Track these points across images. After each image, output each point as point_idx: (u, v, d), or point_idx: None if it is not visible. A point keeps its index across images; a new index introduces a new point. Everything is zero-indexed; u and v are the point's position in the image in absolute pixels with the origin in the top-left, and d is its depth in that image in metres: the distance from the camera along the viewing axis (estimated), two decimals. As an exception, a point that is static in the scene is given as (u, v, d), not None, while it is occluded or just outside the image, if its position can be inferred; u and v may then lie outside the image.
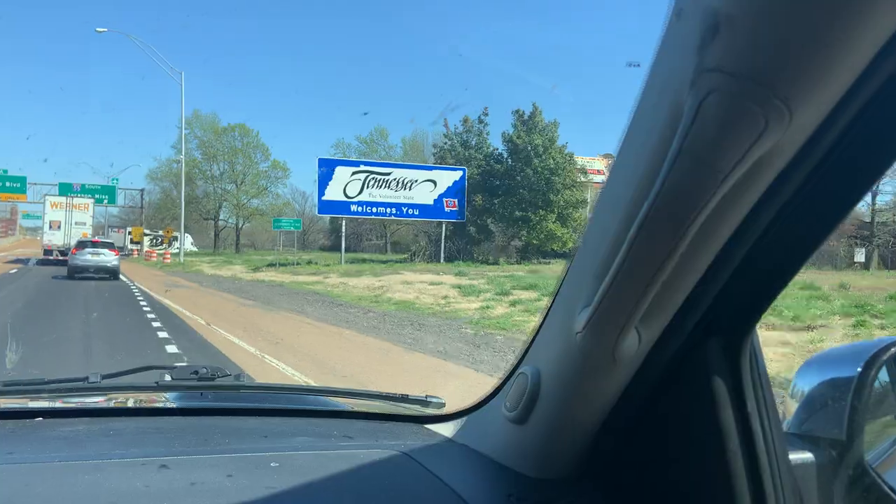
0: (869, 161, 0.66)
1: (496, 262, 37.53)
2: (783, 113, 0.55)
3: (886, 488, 1.03)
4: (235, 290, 23.18)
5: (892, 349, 1.13)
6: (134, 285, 23.79)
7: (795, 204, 0.69)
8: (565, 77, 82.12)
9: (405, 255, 43.98)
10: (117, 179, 63.37)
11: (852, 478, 1.01)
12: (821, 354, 1.36)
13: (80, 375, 1.57)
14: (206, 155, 66.09)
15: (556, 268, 30.92)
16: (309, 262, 36.49)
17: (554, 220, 37.83)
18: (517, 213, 38.45)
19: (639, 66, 0.74)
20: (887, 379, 1.26)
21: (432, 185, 38.07)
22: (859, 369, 1.07)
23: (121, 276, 27.31)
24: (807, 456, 0.98)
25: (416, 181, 37.77)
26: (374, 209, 37.56)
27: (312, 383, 7.35)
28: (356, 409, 1.67)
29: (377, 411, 1.61)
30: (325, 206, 36.47)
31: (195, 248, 68.24)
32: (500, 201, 39.22)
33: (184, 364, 1.84)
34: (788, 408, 1.15)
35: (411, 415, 1.53)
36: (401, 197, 37.60)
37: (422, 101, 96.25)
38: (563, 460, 0.99)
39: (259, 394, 1.81)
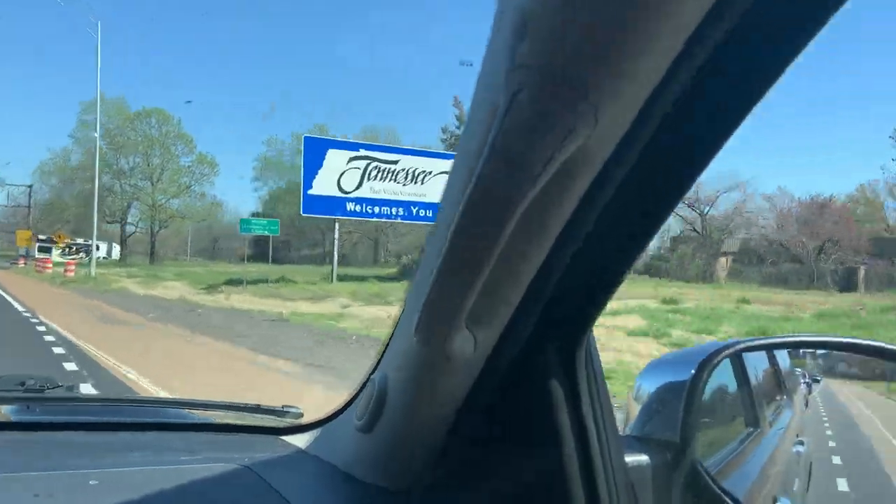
0: (685, 162, 0.68)
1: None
2: (589, 112, 0.55)
3: (718, 490, 1.05)
4: (217, 329, 13.72)
5: (725, 352, 1.16)
6: (39, 321, 13.86)
7: (617, 206, 0.70)
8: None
9: (394, 270, 35.14)
10: (-4, 173, 51.14)
11: (686, 480, 1.02)
12: (662, 357, 1.33)
13: None
14: (113, 145, 54.33)
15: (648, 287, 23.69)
16: (281, 280, 26.76)
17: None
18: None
19: (471, 65, 0.70)
20: (735, 382, 1.37)
21: (449, 179, 29.17)
22: (693, 372, 1.09)
23: (11, 300, 18.67)
24: (643, 458, 1.00)
25: (430, 173, 28.75)
26: (376, 209, 28.08)
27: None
28: (207, 421, 1.54)
29: (230, 422, 1.49)
30: (313, 204, 26.62)
31: (116, 258, 56.06)
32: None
33: (9, 374, 1.53)
34: (632, 411, 1.15)
35: (267, 426, 1.42)
36: (410, 193, 28.46)
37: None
38: (410, 469, 0.97)
39: (96, 407, 1.66)
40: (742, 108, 0.62)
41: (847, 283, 33.27)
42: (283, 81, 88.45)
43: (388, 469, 0.97)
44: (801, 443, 1.57)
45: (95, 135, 36.36)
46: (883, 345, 1.26)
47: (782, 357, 1.61)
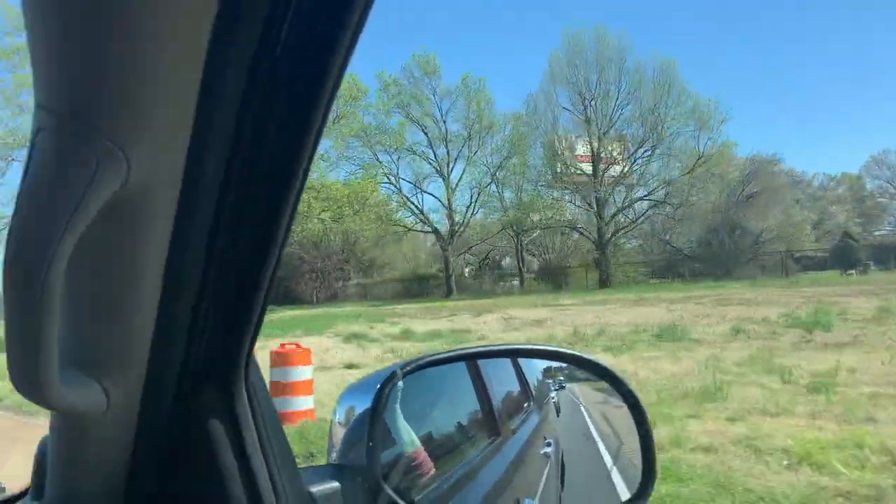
0: (281, 165, 0.68)
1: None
2: (116, 153, 0.54)
3: None
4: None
5: (401, 370, 1.18)
6: None
7: (225, 238, 0.70)
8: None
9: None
10: None
11: (370, 500, 1.06)
12: (356, 383, 1.33)
13: None
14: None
15: None
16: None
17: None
18: None
19: None
20: (475, 395, 1.48)
21: None
22: (375, 395, 1.12)
23: None
24: (333, 486, 1.02)
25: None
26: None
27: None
28: None
29: None
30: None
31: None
32: None
33: None
34: (336, 438, 1.19)
35: None
36: None
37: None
38: None
39: None
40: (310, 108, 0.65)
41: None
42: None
43: None
44: (549, 444, 1.67)
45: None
46: (577, 353, 1.44)
47: (530, 366, 1.72)
